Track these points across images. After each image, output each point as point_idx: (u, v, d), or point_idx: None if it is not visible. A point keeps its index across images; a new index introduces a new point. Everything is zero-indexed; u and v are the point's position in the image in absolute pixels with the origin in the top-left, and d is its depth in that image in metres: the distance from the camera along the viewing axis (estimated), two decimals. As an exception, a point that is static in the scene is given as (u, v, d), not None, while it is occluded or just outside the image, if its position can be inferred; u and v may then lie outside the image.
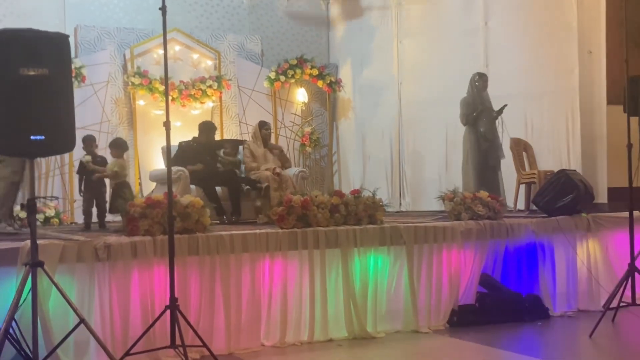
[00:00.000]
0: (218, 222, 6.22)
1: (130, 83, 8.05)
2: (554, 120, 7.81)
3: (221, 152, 7.07)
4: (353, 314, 4.91)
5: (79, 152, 5.68)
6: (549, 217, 5.89)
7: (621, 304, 5.02)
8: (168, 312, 3.93)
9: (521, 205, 7.40)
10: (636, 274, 5.10)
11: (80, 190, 5.56)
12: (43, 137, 3.61)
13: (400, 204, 8.98)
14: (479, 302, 5.39)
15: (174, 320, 3.91)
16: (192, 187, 6.50)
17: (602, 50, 7.48)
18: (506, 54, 8.05)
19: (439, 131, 8.51)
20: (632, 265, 5.09)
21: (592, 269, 5.85)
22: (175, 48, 8.39)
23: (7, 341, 3.57)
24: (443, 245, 5.31)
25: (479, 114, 6.85)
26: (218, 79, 8.52)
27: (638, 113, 5.79)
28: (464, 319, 5.26)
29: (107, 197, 5.64)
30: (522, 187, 7.42)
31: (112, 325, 4.17)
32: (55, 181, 7.67)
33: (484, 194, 5.77)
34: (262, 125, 7.18)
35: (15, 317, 3.59)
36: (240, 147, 7.29)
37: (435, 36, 8.68)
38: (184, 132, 7.53)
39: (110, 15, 8.41)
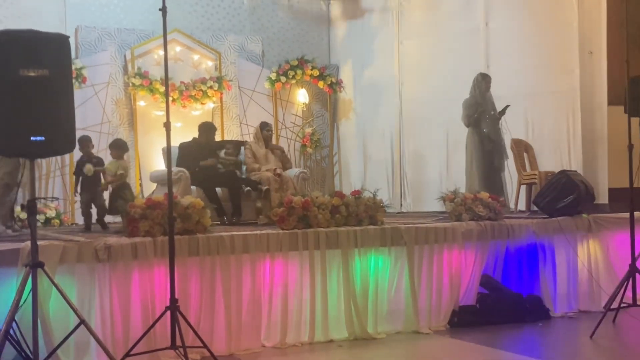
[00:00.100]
0: (219, 223, 6.22)
1: (130, 84, 8.06)
2: (555, 120, 7.81)
3: (222, 153, 7.07)
4: (354, 314, 4.90)
5: (79, 153, 5.67)
6: (549, 217, 5.89)
7: (622, 305, 5.01)
8: (168, 313, 3.93)
9: (522, 206, 7.40)
10: (637, 275, 5.09)
11: (76, 191, 5.54)
12: (43, 138, 3.60)
13: (401, 204, 8.98)
14: (480, 303, 5.39)
15: (174, 321, 3.91)
16: (193, 188, 6.50)
17: (602, 50, 7.49)
18: (507, 54, 8.05)
19: (440, 132, 8.51)
20: (632, 266, 5.09)
21: (592, 269, 5.85)
22: (175, 49, 8.39)
23: (7, 342, 3.56)
24: (444, 246, 5.30)
25: (479, 115, 6.84)
26: (219, 79, 8.52)
27: (639, 114, 5.79)
28: (465, 320, 5.25)
29: (105, 197, 5.62)
30: (523, 188, 7.42)
31: (113, 326, 4.17)
32: (56, 182, 7.67)
33: (484, 194, 5.76)
34: (264, 126, 7.19)
35: (15, 317, 3.59)
36: (242, 148, 7.30)
37: (436, 37, 8.68)
38: (185, 132, 7.53)
39: (111, 16, 8.41)
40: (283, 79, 8.95)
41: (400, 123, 9.05)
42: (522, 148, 7.61)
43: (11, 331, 3.59)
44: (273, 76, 8.94)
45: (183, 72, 8.41)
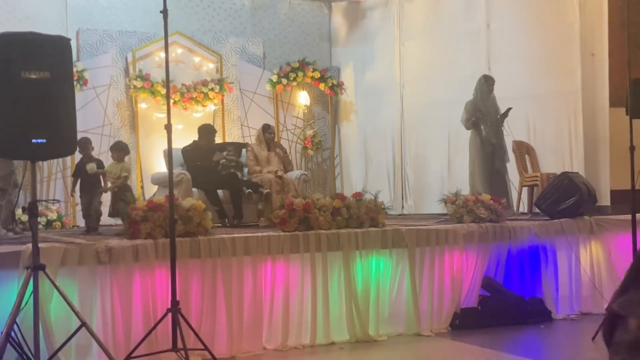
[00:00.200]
0: (220, 225, 6.22)
1: (132, 86, 8.06)
2: (557, 122, 7.80)
3: (224, 154, 7.07)
4: (355, 317, 4.90)
5: (79, 155, 5.67)
6: (551, 219, 5.88)
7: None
8: (170, 315, 3.93)
9: (524, 208, 7.39)
10: (639, 277, 5.07)
11: (72, 192, 5.54)
12: (45, 140, 3.61)
13: (403, 206, 8.97)
14: (482, 305, 5.38)
15: (175, 324, 3.91)
16: (194, 190, 6.50)
17: (604, 52, 7.48)
18: (508, 56, 8.04)
19: (442, 134, 8.50)
20: (635, 268, 5.07)
21: (594, 271, 5.84)
22: (177, 51, 8.40)
23: (8, 344, 3.56)
24: (445, 248, 5.30)
25: (477, 119, 6.84)
26: (220, 81, 8.52)
27: (640, 115, 5.77)
28: (466, 322, 5.24)
29: (103, 199, 5.61)
30: (525, 190, 7.41)
31: (114, 329, 4.17)
32: (57, 184, 7.67)
33: (486, 196, 5.76)
34: (266, 128, 7.20)
35: (17, 320, 3.58)
36: (243, 150, 7.30)
37: (438, 38, 8.68)
38: (186, 135, 7.53)
39: (112, 18, 8.41)
40: (284, 81, 8.94)
41: (402, 125, 9.04)
42: (523, 150, 7.60)
43: (12, 333, 3.59)
44: (274, 78, 8.94)
45: (184, 75, 8.41)
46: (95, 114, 7.86)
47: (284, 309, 4.71)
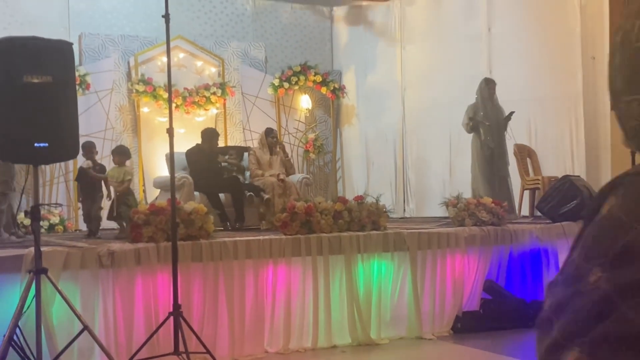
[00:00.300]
0: (222, 228, 6.22)
1: (134, 90, 8.08)
2: (558, 126, 7.81)
3: (225, 158, 7.09)
4: (357, 320, 4.90)
5: (82, 159, 5.69)
6: (553, 223, 5.88)
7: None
8: (171, 318, 3.94)
9: (525, 211, 7.39)
10: None
11: (79, 198, 5.55)
12: (47, 144, 3.62)
13: (404, 210, 8.97)
14: (483, 308, 5.38)
15: (177, 327, 3.91)
16: (196, 193, 6.51)
17: (605, 55, 7.47)
18: (510, 59, 8.06)
19: (443, 137, 8.51)
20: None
21: (596, 275, 5.82)
22: (179, 55, 8.42)
23: (11, 348, 3.57)
24: (447, 251, 5.30)
25: (475, 124, 6.85)
26: (222, 85, 8.54)
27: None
28: (468, 325, 5.24)
29: (104, 204, 5.62)
30: (527, 193, 7.41)
31: (116, 332, 4.17)
32: (60, 188, 7.69)
33: (487, 200, 5.76)
34: (269, 132, 7.22)
35: (19, 324, 3.59)
36: (245, 154, 7.32)
37: (439, 42, 8.70)
38: (188, 138, 7.55)
39: (115, 23, 8.44)
40: (286, 84, 8.96)
41: (403, 128, 9.05)
42: (525, 153, 7.60)
43: (15, 337, 3.59)
44: (276, 82, 8.96)
45: (186, 79, 8.43)
46: (97, 118, 7.88)
47: (285, 312, 4.71)
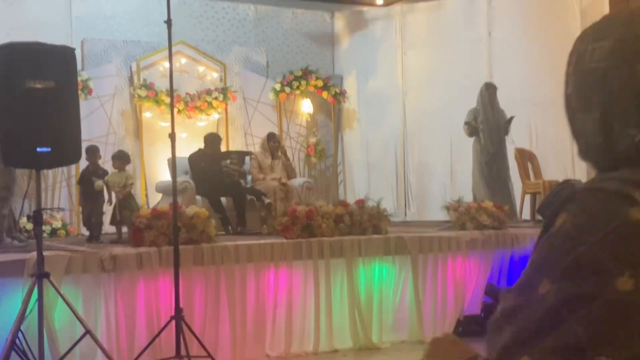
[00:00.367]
0: (223, 232, 6.24)
1: (136, 95, 8.10)
2: (559, 129, 7.80)
3: (227, 162, 7.11)
4: (358, 324, 4.90)
5: (85, 163, 5.70)
6: (554, 226, 5.87)
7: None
8: (173, 322, 3.95)
9: (526, 215, 7.39)
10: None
11: (81, 201, 5.54)
12: (49, 149, 3.64)
13: (406, 214, 8.98)
14: (485, 312, 5.38)
15: (179, 331, 3.92)
16: (198, 198, 6.53)
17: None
18: (510, 64, 8.07)
19: (444, 141, 8.53)
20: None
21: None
22: (181, 60, 8.44)
23: (13, 352, 3.58)
24: (448, 255, 5.31)
25: (472, 129, 6.87)
26: (223, 90, 8.56)
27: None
28: (470, 329, 5.24)
29: (105, 209, 5.62)
30: (528, 197, 7.42)
31: (118, 336, 4.19)
32: (62, 193, 7.71)
33: (488, 203, 5.77)
34: (271, 137, 7.25)
35: (21, 328, 3.61)
36: (247, 158, 7.34)
37: (440, 47, 8.72)
38: (190, 143, 7.57)
39: (117, 28, 8.47)
40: (287, 89, 8.98)
41: (404, 132, 9.07)
42: (526, 157, 7.61)
43: (17, 341, 3.61)
44: (277, 87, 8.98)
45: (188, 84, 8.46)
46: (99, 123, 7.91)
47: (287, 316, 4.72)
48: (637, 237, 0.75)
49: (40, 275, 3.64)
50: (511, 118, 6.88)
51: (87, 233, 6.19)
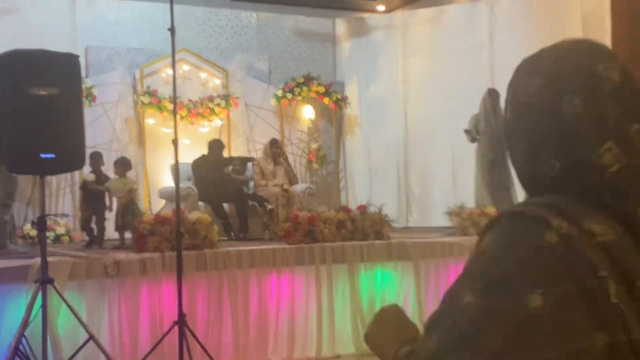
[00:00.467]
0: (226, 238, 6.26)
1: (139, 102, 8.14)
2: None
3: (230, 169, 7.14)
4: (360, 329, 4.91)
5: (88, 169, 5.73)
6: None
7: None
8: (176, 327, 3.96)
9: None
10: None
11: (82, 207, 5.55)
12: (53, 156, 3.66)
13: (407, 219, 8.99)
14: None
15: (182, 336, 3.93)
16: (201, 204, 6.56)
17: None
18: (512, 69, 8.02)
19: (446, 147, 8.54)
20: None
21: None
22: (184, 67, 8.49)
23: (17, 358, 3.60)
24: (450, 261, 5.31)
25: (473, 137, 6.89)
26: (226, 97, 8.60)
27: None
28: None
29: (107, 215, 5.64)
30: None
31: (121, 341, 4.20)
32: (66, 199, 7.74)
33: (491, 209, 5.78)
34: (273, 143, 7.28)
35: (25, 333, 3.62)
36: (249, 164, 7.37)
37: (441, 53, 8.75)
38: (193, 149, 7.61)
39: (121, 35, 8.52)
40: (289, 95, 9.01)
41: (406, 138, 9.09)
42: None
43: (21, 347, 3.63)
44: (279, 93, 9.01)
45: (191, 90, 8.50)
46: (103, 130, 7.94)
47: (289, 322, 4.73)
48: (550, 259, 0.84)
49: (44, 281, 3.66)
50: None
51: (87, 238, 6.21)
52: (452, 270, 5.32)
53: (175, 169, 4.19)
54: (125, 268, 4.22)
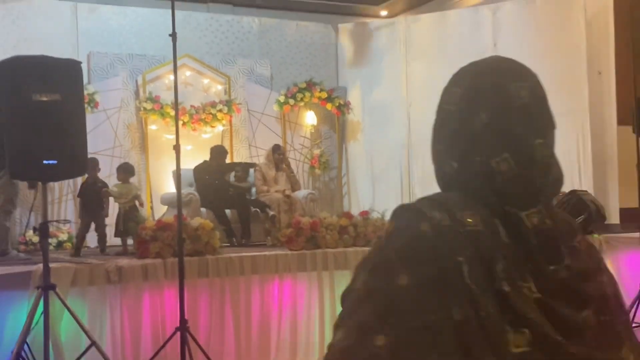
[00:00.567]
0: (228, 244, 6.25)
1: (142, 108, 8.14)
2: (565, 141, 7.80)
3: (232, 175, 7.14)
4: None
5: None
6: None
7: (634, 325, 4.97)
8: (178, 334, 3.95)
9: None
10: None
11: (80, 213, 5.52)
12: (55, 162, 3.66)
13: (411, 225, 8.95)
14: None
15: (184, 342, 3.92)
16: (203, 210, 6.55)
17: (611, 70, 7.50)
18: (515, 75, 8.07)
19: (449, 152, 8.52)
20: (644, 285, 5.05)
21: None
22: (186, 73, 8.49)
23: (19, 364, 3.59)
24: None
25: None
26: (228, 103, 8.60)
27: (647, 133, 5.78)
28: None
29: (107, 221, 5.63)
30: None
31: (123, 348, 4.19)
32: (68, 205, 7.73)
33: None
34: (276, 149, 7.28)
35: (27, 340, 3.62)
36: (252, 170, 7.36)
37: (444, 57, 8.73)
38: (195, 155, 7.60)
39: (123, 41, 8.53)
40: (291, 101, 9.01)
41: (409, 144, 9.08)
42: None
43: (23, 353, 3.62)
44: (282, 99, 9.01)
45: (193, 96, 8.50)
46: (105, 136, 7.94)
47: (291, 328, 4.71)
48: (420, 245, 0.99)
49: (46, 287, 3.65)
50: None
51: (91, 245, 6.19)
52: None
53: (177, 175, 4.18)
54: (127, 274, 4.22)
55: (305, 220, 4.97)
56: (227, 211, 6.66)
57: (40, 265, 3.79)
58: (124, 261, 4.31)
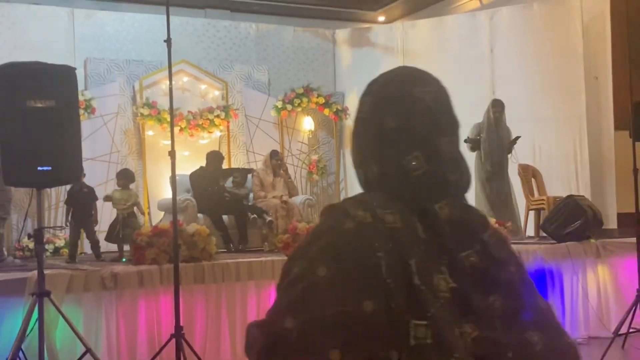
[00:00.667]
0: (225, 250, 6.23)
1: (139, 114, 8.14)
2: (562, 146, 7.81)
3: (230, 180, 7.12)
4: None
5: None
6: (557, 243, 5.85)
7: (631, 330, 4.95)
8: (174, 340, 3.93)
9: (530, 231, 7.37)
10: (646, 300, 5.04)
11: (67, 220, 5.44)
12: (50, 168, 3.65)
13: (409, 231, 8.94)
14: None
15: (179, 349, 3.90)
16: (200, 215, 6.53)
17: (608, 75, 7.52)
18: (513, 80, 8.09)
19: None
20: (641, 291, 5.04)
21: (601, 295, 5.79)
22: (183, 79, 8.50)
23: (13, 371, 3.57)
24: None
25: (474, 144, 6.88)
26: (225, 108, 8.59)
27: (644, 138, 5.77)
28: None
29: (97, 227, 5.60)
30: (532, 213, 7.39)
31: (119, 355, 4.17)
32: (64, 211, 7.71)
33: (491, 220, 5.75)
34: (274, 155, 7.26)
35: (22, 347, 3.59)
36: (249, 176, 7.35)
37: (441, 63, 8.73)
38: (193, 161, 7.59)
39: (120, 47, 8.54)
40: (289, 107, 9.01)
41: (407, 149, 9.08)
42: (529, 173, 7.59)
43: (17, 360, 3.60)
44: (279, 104, 9.01)
45: (190, 102, 8.50)
46: (102, 142, 7.94)
47: (288, 334, 4.69)
48: (342, 241, 1.08)
49: (41, 294, 3.63)
50: (516, 138, 6.86)
51: (87, 251, 6.16)
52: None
53: (173, 181, 4.17)
54: (122, 280, 4.20)
55: (302, 226, 4.96)
56: (225, 217, 6.64)
57: (35, 272, 3.77)
58: (119, 267, 4.30)
